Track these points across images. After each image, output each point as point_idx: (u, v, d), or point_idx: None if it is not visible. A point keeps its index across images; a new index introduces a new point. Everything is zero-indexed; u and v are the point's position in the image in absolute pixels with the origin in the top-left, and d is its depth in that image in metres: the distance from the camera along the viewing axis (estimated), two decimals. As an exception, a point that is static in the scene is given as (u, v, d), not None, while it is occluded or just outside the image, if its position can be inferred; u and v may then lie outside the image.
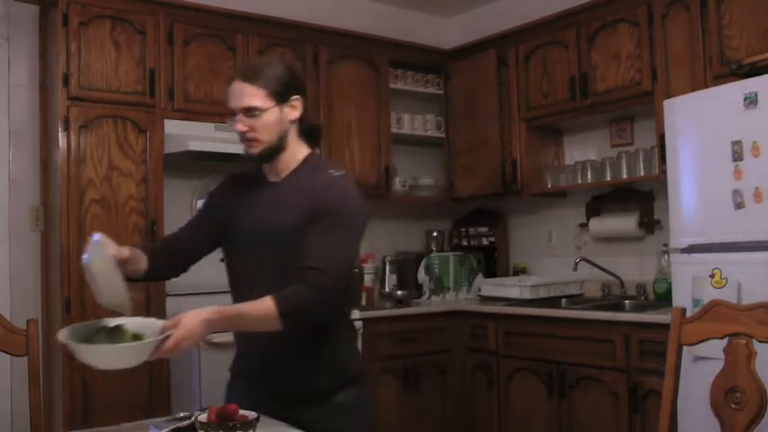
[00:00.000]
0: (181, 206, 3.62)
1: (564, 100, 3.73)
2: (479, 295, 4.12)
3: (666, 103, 2.91)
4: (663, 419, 1.68)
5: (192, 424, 1.51)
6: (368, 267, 4.13)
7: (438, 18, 4.78)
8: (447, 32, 4.72)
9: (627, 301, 3.61)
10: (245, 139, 1.77)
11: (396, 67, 4.24)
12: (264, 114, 1.74)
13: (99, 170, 3.13)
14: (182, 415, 1.62)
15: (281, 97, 1.76)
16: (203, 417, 1.49)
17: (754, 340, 1.59)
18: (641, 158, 3.55)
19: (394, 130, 4.20)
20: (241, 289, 1.80)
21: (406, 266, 4.27)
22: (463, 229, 4.60)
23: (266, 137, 1.76)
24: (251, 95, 1.73)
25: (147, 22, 3.28)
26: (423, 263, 4.22)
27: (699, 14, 3.11)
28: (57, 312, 3.08)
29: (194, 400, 2.98)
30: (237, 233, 1.83)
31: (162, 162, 3.29)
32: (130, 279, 1.67)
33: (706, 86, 2.99)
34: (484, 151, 4.14)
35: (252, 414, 1.50)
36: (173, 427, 1.57)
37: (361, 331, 3.49)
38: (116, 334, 1.50)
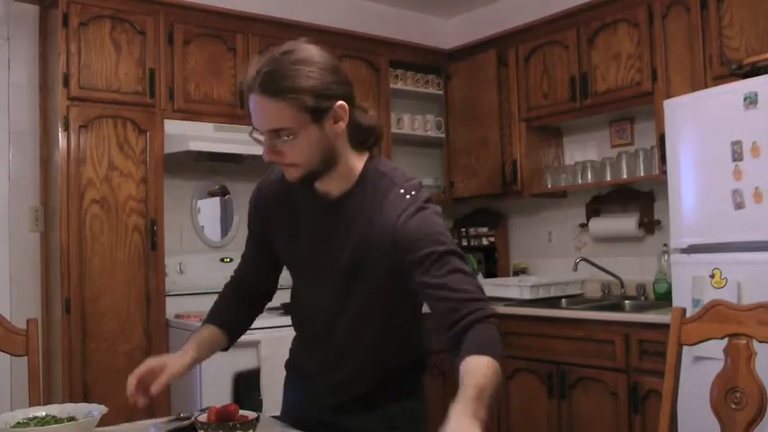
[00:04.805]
0: (181, 206, 3.63)
1: (564, 100, 3.73)
2: (479, 295, 4.10)
3: (666, 103, 2.91)
4: (663, 419, 1.68)
5: (192, 424, 1.51)
6: (368, 267, 4.13)
7: (438, 18, 4.78)
8: (447, 32, 4.72)
9: (627, 302, 3.61)
10: (281, 164, 1.40)
11: (396, 67, 4.24)
12: (299, 136, 1.33)
13: (99, 170, 3.12)
14: (182, 415, 1.62)
15: (318, 112, 1.33)
16: (203, 417, 1.48)
17: (754, 340, 1.59)
18: (641, 159, 3.54)
19: (394, 130, 4.19)
20: (311, 317, 1.60)
21: (406, 266, 4.27)
22: (463, 229, 4.60)
23: (304, 160, 1.37)
24: (278, 115, 1.31)
25: (147, 22, 3.28)
26: (423, 263, 4.21)
27: (699, 15, 3.11)
28: (57, 312, 3.08)
29: (194, 400, 2.97)
30: (300, 261, 1.56)
31: (162, 162, 3.29)
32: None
33: (706, 87, 2.99)
34: (484, 151, 4.14)
35: (252, 414, 1.49)
36: (173, 427, 1.57)
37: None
38: (48, 421, 1.49)
